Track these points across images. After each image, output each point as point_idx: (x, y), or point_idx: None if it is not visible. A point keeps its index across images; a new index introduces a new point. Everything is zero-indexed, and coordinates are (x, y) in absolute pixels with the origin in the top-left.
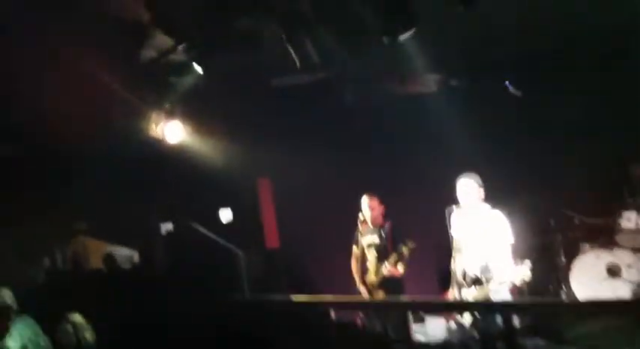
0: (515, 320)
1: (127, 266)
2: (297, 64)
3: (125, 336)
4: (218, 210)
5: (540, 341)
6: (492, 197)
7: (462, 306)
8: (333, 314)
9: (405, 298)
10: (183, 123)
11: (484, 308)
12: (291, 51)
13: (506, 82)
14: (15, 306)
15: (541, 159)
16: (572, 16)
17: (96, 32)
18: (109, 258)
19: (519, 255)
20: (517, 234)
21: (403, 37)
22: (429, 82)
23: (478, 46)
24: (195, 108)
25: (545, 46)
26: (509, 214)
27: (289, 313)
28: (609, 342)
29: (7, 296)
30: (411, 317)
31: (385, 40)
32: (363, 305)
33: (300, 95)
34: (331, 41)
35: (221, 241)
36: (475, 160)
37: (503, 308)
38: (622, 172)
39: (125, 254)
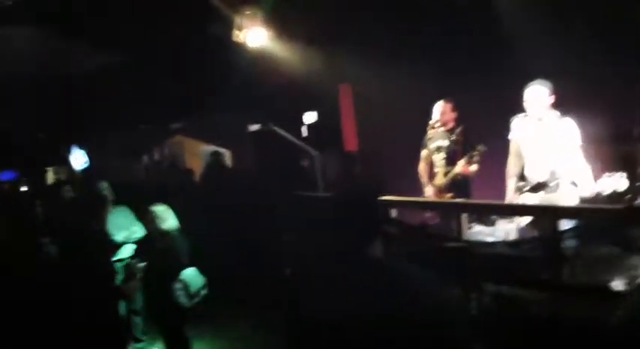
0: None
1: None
2: None
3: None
4: (302, 113)
5: (601, 247)
6: (570, 103)
7: (517, 210)
8: (396, 213)
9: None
10: (267, 28)
11: (553, 212)
12: None
13: None
14: (111, 197)
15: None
16: None
17: None
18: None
19: (603, 164)
20: (597, 142)
21: None
22: None
23: None
24: (279, 15)
25: None
26: (588, 120)
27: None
28: None
29: (105, 188)
30: (465, 220)
31: None
32: (429, 205)
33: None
34: None
35: (299, 143)
36: (558, 67)
37: (571, 212)
38: None
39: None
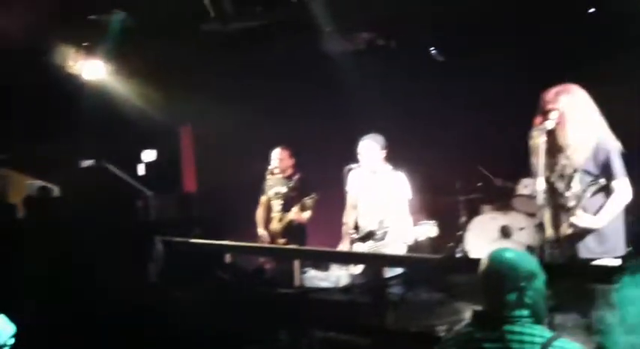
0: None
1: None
2: (211, 13)
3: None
4: (140, 152)
5: (420, 291)
6: (402, 156)
7: (352, 257)
8: (230, 258)
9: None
10: (107, 62)
11: (380, 260)
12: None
13: (432, 46)
14: None
15: (455, 125)
16: None
17: None
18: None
19: (426, 213)
20: (424, 194)
21: None
22: (357, 41)
23: (407, 7)
24: (120, 49)
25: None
26: (419, 174)
27: (193, 254)
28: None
29: None
30: (298, 267)
31: None
32: (263, 252)
33: (228, 43)
34: None
35: (133, 182)
36: (390, 121)
37: (396, 260)
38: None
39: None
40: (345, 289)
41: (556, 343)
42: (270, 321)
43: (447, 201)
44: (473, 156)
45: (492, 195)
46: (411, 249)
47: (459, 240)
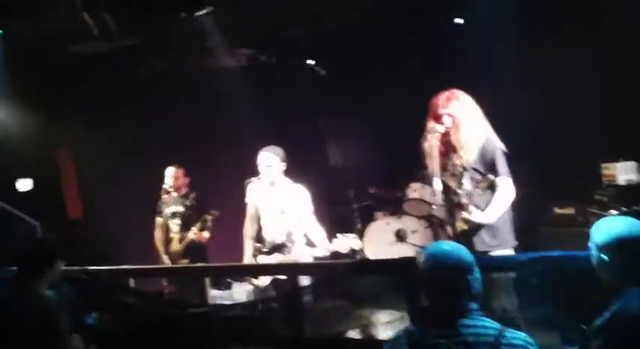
0: (308, 281)
1: None
2: (95, 31)
3: None
4: (16, 179)
5: (331, 299)
6: (295, 171)
7: (258, 270)
8: (133, 283)
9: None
10: None
11: (285, 270)
12: (87, 18)
13: (311, 61)
14: None
15: (342, 137)
16: None
17: None
18: None
19: (324, 223)
20: (319, 205)
21: (199, 13)
22: (239, 56)
23: (287, 23)
24: None
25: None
26: (314, 185)
27: (89, 282)
28: (390, 295)
29: None
30: (208, 284)
31: (183, 14)
32: (166, 273)
33: (102, 63)
34: (131, 10)
35: (16, 211)
36: (280, 134)
37: (301, 269)
38: (413, 149)
39: None
40: (252, 304)
41: (506, 333)
42: (185, 342)
43: (342, 210)
44: (363, 165)
45: (384, 202)
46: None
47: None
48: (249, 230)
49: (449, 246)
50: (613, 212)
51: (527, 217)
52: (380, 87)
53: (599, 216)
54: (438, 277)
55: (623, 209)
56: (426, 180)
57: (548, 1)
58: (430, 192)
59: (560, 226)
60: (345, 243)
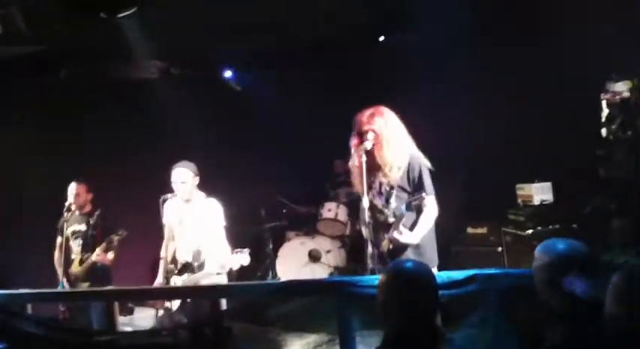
0: (223, 305)
1: None
2: (0, 31)
3: None
4: None
5: (246, 324)
6: (208, 186)
7: (171, 293)
8: (30, 309)
9: (112, 288)
10: None
11: (194, 292)
12: None
13: (227, 76)
14: None
15: (257, 152)
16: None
17: None
18: None
19: (233, 243)
20: (231, 223)
21: (122, 14)
22: (151, 68)
23: (202, 37)
24: None
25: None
26: (225, 203)
27: None
28: (306, 318)
29: None
30: (117, 309)
31: (103, 14)
32: (65, 297)
33: (7, 68)
34: (43, 10)
35: None
36: (194, 149)
37: (212, 292)
38: (326, 167)
39: None
40: (160, 331)
41: None
42: None
43: (253, 230)
44: (275, 183)
45: (297, 221)
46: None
47: (268, 267)
48: (165, 250)
49: (411, 263)
50: (529, 232)
51: (441, 236)
52: (298, 103)
53: (514, 236)
54: (409, 297)
55: (539, 228)
56: (340, 200)
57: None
58: (345, 211)
59: (473, 245)
60: (236, 259)
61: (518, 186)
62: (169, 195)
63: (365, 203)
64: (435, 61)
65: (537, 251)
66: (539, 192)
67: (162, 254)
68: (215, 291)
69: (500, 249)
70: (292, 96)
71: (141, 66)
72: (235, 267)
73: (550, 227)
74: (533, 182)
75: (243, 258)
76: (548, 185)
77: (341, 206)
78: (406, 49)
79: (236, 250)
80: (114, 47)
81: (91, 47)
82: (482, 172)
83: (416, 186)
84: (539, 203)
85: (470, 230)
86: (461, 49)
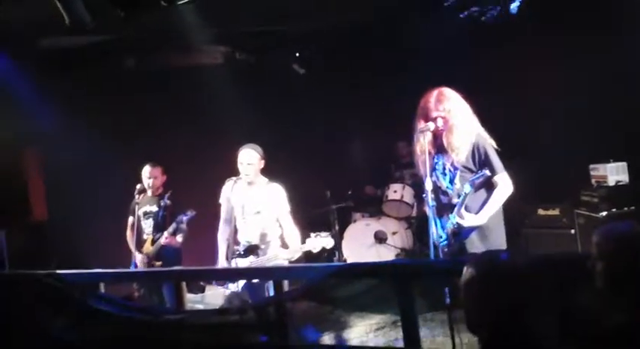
0: (286, 286)
1: None
2: (67, 22)
3: None
4: None
5: (309, 304)
6: (273, 169)
7: (237, 274)
8: (103, 288)
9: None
10: None
11: (258, 274)
12: (60, 8)
13: (293, 60)
14: None
15: (321, 136)
16: None
17: None
18: None
19: (301, 225)
20: (297, 206)
21: (182, 1)
22: (215, 54)
23: (268, 21)
24: None
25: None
26: (290, 186)
27: (55, 288)
28: (369, 300)
29: None
30: (186, 288)
31: (163, 2)
32: (137, 276)
33: (74, 58)
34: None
35: None
36: (258, 133)
37: (278, 273)
38: (390, 150)
39: None
40: (228, 309)
41: None
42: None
43: (319, 212)
44: (340, 166)
45: (363, 203)
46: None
47: (334, 249)
48: (223, 232)
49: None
50: (603, 213)
51: (510, 219)
52: (362, 85)
53: (587, 218)
54: None
55: (614, 210)
56: (405, 181)
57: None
58: (410, 192)
59: (544, 227)
60: (318, 242)
61: (591, 166)
62: (233, 178)
63: (428, 184)
64: (505, 34)
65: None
66: (614, 173)
67: (220, 235)
68: (278, 272)
69: (572, 231)
70: (356, 79)
71: (205, 52)
72: (316, 250)
73: (625, 209)
74: (607, 162)
75: (325, 241)
76: (623, 165)
77: (407, 187)
78: (474, 23)
79: (315, 234)
80: (177, 34)
81: (155, 35)
82: (555, 152)
83: (482, 166)
84: (613, 184)
85: (541, 211)
86: (532, 23)
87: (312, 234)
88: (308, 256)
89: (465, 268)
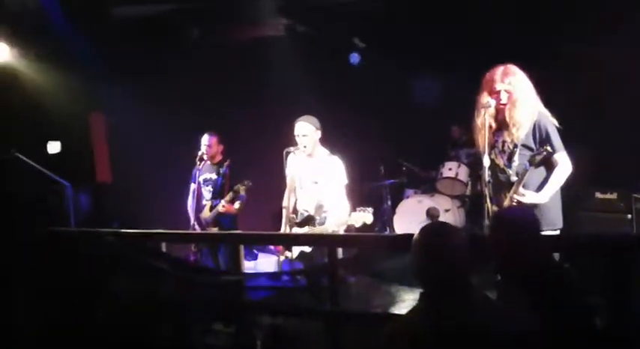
0: (340, 255)
1: None
2: None
3: None
4: (47, 141)
5: (360, 275)
6: (329, 142)
7: (291, 239)
8: (164, 248)
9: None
10: (11, 45)
11: (313, 241)
12: None
13: (354, 33)
14: None
15: (378, 111)
16: None
17: None
18: None
19: (354, 199)
20: (352, 180)
21: None
22: (277, 26)
23: None
24: (24, 31)
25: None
26: (346, 160)
27: (119, 246)
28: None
29: None
30: (242, 253)
31: None
32: (195, 238)
33: (141, 28)
34: None
35: (48, 173)
36: (315, 107)
37: (329, 242)
38: (445, 131)
39: None
40: (281, 274)
41: None
42: (219, 309)
43: (372, 187)
44: (395, 143)
45: (416, 179)
46: None
47: (386, 224)
48: (287, 200)
49: None
50: None
51: (567, 200)
52: (422, 66)
53: None
54: None
55: None
56: (462, 160)
57: None
58: (465, 171)
59: (600, 211)
60: (360, 217)
61: None
62: (292, 149)
63: (486, 161)
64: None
65: None
66: None
67: (285, 203)
68: (333, 241)
69: (629, 216)
70: (412, 60)
71: (267, 24)
72: (357, 225)
73: None
74: None
75: (366, 216)
76: None
77: (462, 166)
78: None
79: (359, 208)
80: (241, 5)
81: (219, 6)
82: (616, 135)
83: (542, 144)
84: None
85: (599, 195)
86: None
87: (358, 209)
88: (350, 230)
89: None
